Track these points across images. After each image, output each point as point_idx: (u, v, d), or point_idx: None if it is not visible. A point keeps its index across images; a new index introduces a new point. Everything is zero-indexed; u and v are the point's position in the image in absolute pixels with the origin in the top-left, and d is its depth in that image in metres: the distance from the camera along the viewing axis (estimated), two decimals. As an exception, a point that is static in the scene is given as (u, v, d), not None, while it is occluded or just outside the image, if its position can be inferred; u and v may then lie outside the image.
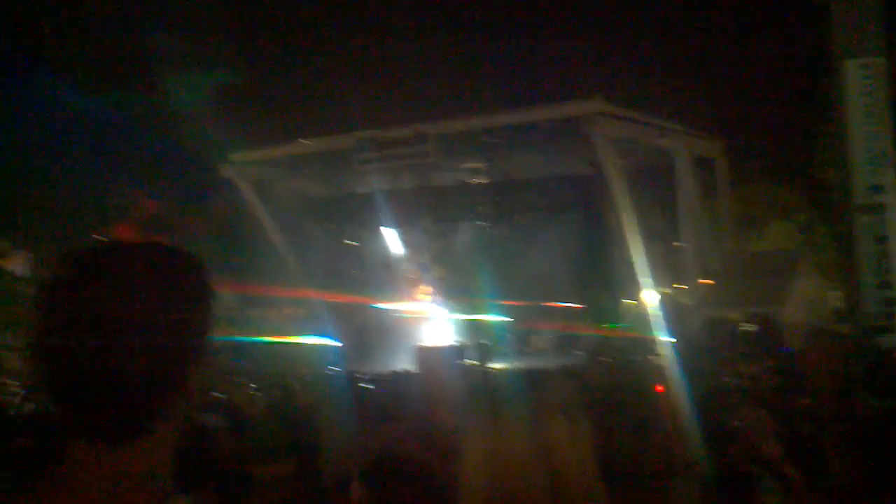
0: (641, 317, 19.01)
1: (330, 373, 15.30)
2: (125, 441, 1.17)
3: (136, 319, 1.15)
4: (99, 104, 33.52)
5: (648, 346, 15.13)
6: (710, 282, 22.78)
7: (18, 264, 36.50)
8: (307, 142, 26.01)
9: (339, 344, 22.24)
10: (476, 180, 24.93)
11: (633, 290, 20.95)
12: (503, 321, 22.59)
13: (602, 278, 22.43)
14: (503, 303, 22.94)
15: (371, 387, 10.90)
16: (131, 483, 1.17)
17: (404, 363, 17.00)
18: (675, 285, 23.00)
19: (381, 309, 25.15)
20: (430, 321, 23.65)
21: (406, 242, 26.76)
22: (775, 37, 29.87)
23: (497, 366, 17.47)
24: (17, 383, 12.39)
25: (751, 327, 15.91)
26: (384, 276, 26.33)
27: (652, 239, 21.60)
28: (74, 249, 1.23)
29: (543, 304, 23.14)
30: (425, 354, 17.39)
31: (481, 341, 20.82)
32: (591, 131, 20.64)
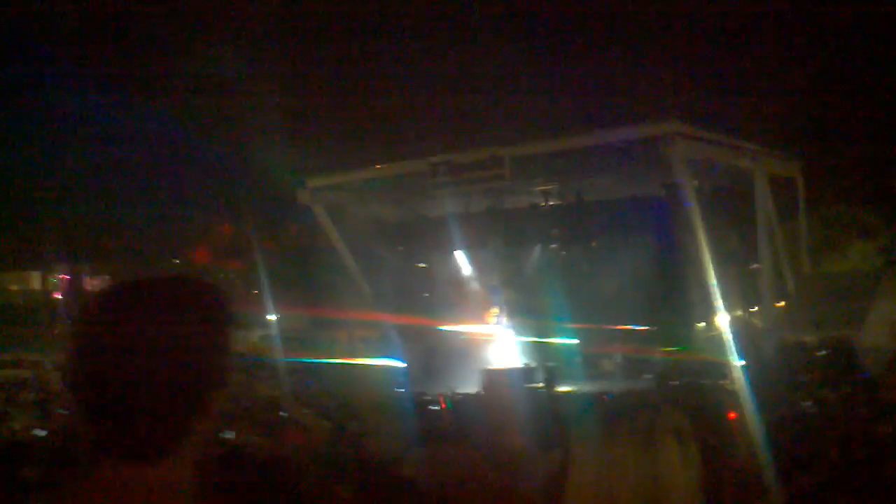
0: (716, 340, 18.60)
1: (398, 394, 15.32)
2: (151, 462, 1.23)
3: (159, 349, 1.22)
4: (178, 130, 34.41)
5: (722, 370, 14.78)
6: (787, 304, 22.20)
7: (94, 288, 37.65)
8: (382, 166, 26.23)
9: (408, 366, 22.30)
10: (550, 203, 24.78)
11: (707, 312, 20.53)
12: (573, 344, 22.33)
13: (676, 301, 22.02)
14: (575, 326, 22.71)
15: (437, 408, 10.87)
16: (155, 499, 1.22)
17: (472, 386, 16.92)
18: (751, 308, 22.46)
19: (450, 331, 25.13)
20: (499, 344, 23.54)
21: (477, 265, 26.72)
22: (857, 54, 29.19)
23: (566, 389, 17.27)
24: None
25: (827, 352, 15.40)
26: (454, 299, 26.31)
27: (728, 261, 21.14)
28: (108, 284, 1.32)
29: (616, 327, 22.82)
30: (493, 377, 17.29)
31: (549, 364, 20.60)
32: (668, 152, 20.33)
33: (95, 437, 1.23)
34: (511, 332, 23.73)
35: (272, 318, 26.35)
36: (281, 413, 11.62)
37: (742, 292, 22.04)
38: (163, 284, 1.30)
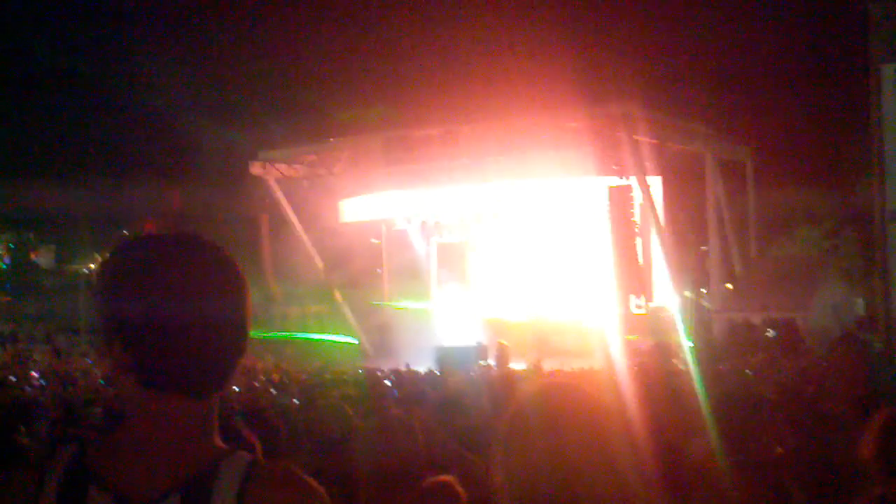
0: (664, 320, 18.85)
1: (351, 370, 15.30)
2: (206, 394, 1.35)
3: (214, 296, 1.34)
4: (128, 101, 33.85)
5: (670, 350, 14.98)
6: (735, 286, 22.58)
7: (45, 258, 36.95)
8: (336, 140, 26.06)
9: (360, 341, 22.28)
10: (504, 180, 24.81)
11: (657, 293, 20.79)
12: (526, 322, 22.46)
13: (626, 281, 22.24)
14: (527, 304, 22.86)
15: (390, 385, 10.87)
16: (194, 436, 1.34)
17: (425, 362, 16.96)
18: (700, 289, 22.82)
19: (404, 307, 25.14)
20: (452, 321, 23.59)
21: (432, 242, 26.72)
22: (809, 41, 29.65)
23: (517, 367, 17.35)
24: (37, 375, 12.51)
25: (773, 332, 15.72)
26: (409, 275, 26.31)
27: (678, 243, 21.40)
28: (137, 240, 1.41)
29: (566, 306, 23.02)
30: (445, 354, 17.35)
31: (501, 342, 20.70)
32: (622, 134, 20.49)
33: (153, 376, 1.32)
34: (465, 310, 23.78)
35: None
36: (234, 388, 11.55)
37: (692, 274, 22.35)
38: (199, 244, 1.40)
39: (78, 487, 1.30)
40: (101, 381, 11.19)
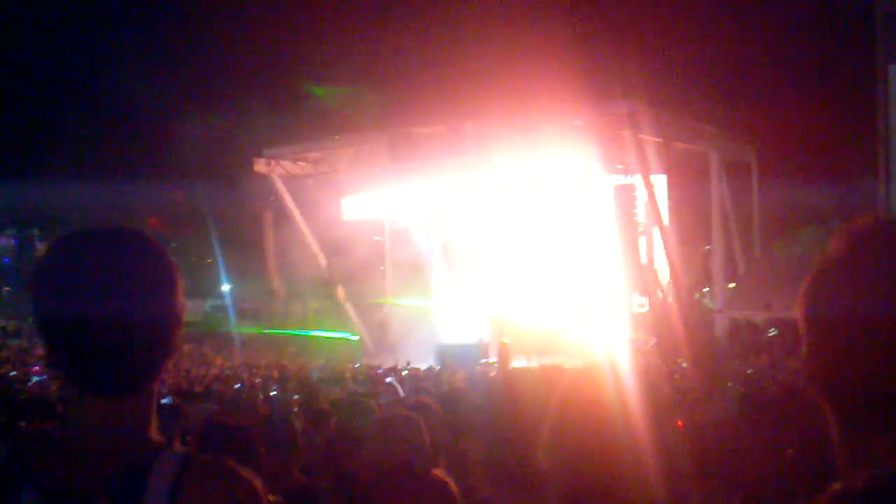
0: (666, 319, 18.81)
1: (352, 367, 15.31)
2: (126, 395, 1.31)
3: (132, 294, 1.29)
4: (133, 98, 33.87)
5: (672, 349, 14.97)
6: (738, 285, 22.54)
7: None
8: (340, 137, 26.05)
9: (363, 339, 22.23)
10: (508, 178, 24.79)
11: (659, 292, 20.74)
12: (527, 320, 22.42)
13: (630, 280, 22.20)
14: (529, 302, 22.83)
15: (391, 381, 10.88)
16: (124, 433, 1.30)
17: (426, 360, 16.97)
18: (703, 288, 22.77)
19: (406, 305, 25.13)
20: (454, 318, 23.58)
21: (434, 239, 26.69)
22: (815, 41, 29.56)
23: (518, 365, 17.36)
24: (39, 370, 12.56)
25: (776, 332, 15.70)
26: (411, 273, 26.30)
27: (681, 241, 21.36)
28: (64, 237, 1.38)
29: (569, 304, 23.00)
30: (447, 351, 17.35)
31: (503, 340, 20.71)
32: (627, 132, 20.44)
33: (73, 375, 1.30)
34: (466, 307, 23.76)
35: (225, 287, 26.15)
36: (236, 385, 11.57)
37: (696, 273, 22.30)
38: (121, 238, 1.37)
39: (12, 486, 1.27)
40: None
